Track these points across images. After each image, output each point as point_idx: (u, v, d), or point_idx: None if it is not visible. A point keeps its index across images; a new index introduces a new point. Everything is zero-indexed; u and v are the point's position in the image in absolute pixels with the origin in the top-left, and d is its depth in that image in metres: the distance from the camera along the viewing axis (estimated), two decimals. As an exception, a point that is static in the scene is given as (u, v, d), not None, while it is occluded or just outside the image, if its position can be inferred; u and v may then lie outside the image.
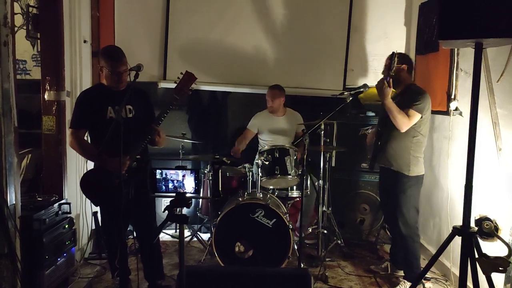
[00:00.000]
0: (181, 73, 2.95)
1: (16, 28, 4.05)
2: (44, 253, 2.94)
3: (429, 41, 4.05)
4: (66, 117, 3.52)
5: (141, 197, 2.63)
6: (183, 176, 2.02)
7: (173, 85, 2.97)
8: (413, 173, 3.22)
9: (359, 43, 4.67)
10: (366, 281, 3.60)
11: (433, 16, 3.95)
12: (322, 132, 3.69)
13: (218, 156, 3.55)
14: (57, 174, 3.47)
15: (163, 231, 4.46)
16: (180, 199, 1.96)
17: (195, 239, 4.31)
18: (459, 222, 2.36)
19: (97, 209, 3.67)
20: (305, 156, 3.34)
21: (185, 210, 3.77)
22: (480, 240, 2.39)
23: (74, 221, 3.43)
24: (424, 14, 4.21)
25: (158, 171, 2.03)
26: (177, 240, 2.05)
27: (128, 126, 2.76)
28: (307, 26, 4.59)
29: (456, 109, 3.58)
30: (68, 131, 3.15)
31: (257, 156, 3.91)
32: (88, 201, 3.62)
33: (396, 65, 3.14)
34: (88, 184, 2.97)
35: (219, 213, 3.60)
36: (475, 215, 2.56)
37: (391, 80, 3.08)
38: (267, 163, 3.70)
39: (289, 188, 3.95)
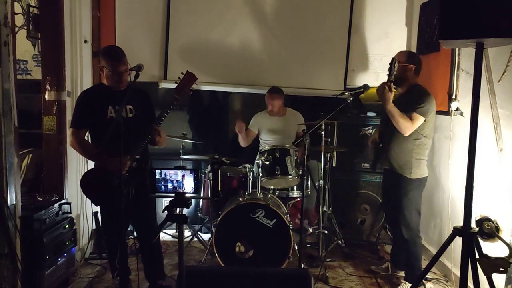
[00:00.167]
0: (182, 73, 2.95)
1: (17, 28, 4.06)
2: (45, 253, 2.94)
3: (430, 41, 4.04)
4: (67, 117, 3.52)
5: (141, 197, 2.63)
6: (183, 176, 2.02)
7: (173, 85, 2.97)
8: (415, 176, 3.18)
9: (360, 43, 4.66)
10: (367, 281, 3.59)
11: (434, 16, 3.94)
12: (323, 132, 3.69)
13: (217, 156, 3.54)
14: (57, 174, 3.47)
15: (164, 231, 4.47)
16: (180, 199, 1.96)
17: (195, 239, 4.30)
18: (460, 222, 2.35)
19: (98, 209, 3.67)
20: (305, 156, 3.35)
21: (185, 210, 3.77)
22: (481, 241, 2.39)
23: (75, 221, 3.42)
24: (425, 14, 4.20)
25: (158, 171, 2.03)
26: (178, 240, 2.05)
27: (129, 126, 2.76)
28: (308, 26, 4.58)
29: (457, 109, 3.57)
30: (68, 131, 3.15)
31: (257, 156, 3.91)
32: (88, 201, 3.63)
33: (405, 64, 3.13)
34: (88, 184, 2.98)
35: (220, 213, 3.60)
36: (476, 215, 2.56)
37: (391, 84, 3.02)
38: (267, 163, 3.70)
39: (290, 188, 3.94)
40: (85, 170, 3.53)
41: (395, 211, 3.29)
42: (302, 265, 3.50)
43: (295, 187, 3.95)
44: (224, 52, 4.53)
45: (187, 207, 1.98)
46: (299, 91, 4.61)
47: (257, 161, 3.71)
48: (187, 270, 1.96)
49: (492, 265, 2.23)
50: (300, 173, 3.70)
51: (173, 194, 2.01)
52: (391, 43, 4.58)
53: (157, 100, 4.44)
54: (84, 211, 3.85)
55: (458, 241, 2.35)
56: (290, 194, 3.97)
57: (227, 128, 4.90)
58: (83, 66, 3.90)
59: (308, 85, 4.62)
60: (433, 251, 3.81)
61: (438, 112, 3.73)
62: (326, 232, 3.98)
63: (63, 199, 3.37)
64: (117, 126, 2.46)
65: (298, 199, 4.05)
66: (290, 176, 3.72)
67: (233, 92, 4.73)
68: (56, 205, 3.19)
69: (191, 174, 2.02)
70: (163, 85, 4.44)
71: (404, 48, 4.58)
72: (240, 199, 3.54)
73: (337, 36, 4.62)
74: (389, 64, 3.02)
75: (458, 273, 2.50)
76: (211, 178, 3.97)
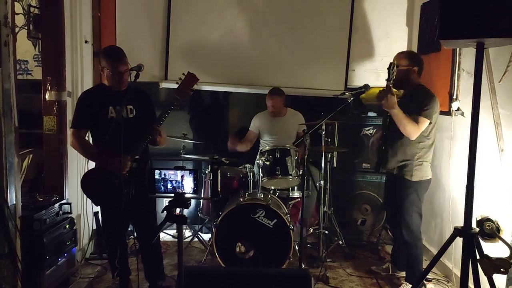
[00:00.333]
0: (183, 74, 2.95)
1: (18, 28, 4.07)
2: (45, 253, 2.94)
3: (431, 41, 4.04)
4: (67, 117, 3.52)
5: (141, 197, 2.63)
6: (182, 176, 2.01)
7: (174, 85, 2.98)
8: (416, 178, 3.15)
9: (360, 43, 4.65)
10: (368, 282, 3.59)
11: (435, 16, 3.94)
12: (324, 132, 3.68)
13: (217, 156, 3.54)
14: (58, 174, 3.47)
15: (164, 231, 4.47)
16: (179, 199, 1.96)
17: (196, 239, 4.30)
18: (460, 222, 2.34)
19: (98, 209, 3.67)
20: (305, 157, 3.34)
21: (185, 210, 3.77)
22: (481, 241, 2.39)
23: (75, 221, 3.42)
24: (426, 14, 4.19)
25: (157, 172, 2.03)
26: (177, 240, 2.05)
27: (129, 126, 2.77)
28: (309, 26, 4.57)
29: (458, 109, 3.56)
30: (69, 131, 3.15)
31: (258, 156, 3.91)
32: (89, 201, 3.64)
33: (408, 68, 3.10)
34: (89, 184, 2.99)
35: (220, 213, 3.60)
36: (476, 216, 2.56)
37: (392, 88, 2.96)
38: (268, 163, 3.70)
39: (290, 188, 3.94)
40: (86, 170, 3.53)
41: (396, 213, 3.28)
42: (303, 266, 3.50)
43: (295, 187, 3.94)
44: (224, 52, 4.52)
45: (187, 208, 1.98)
46: (300, 91, 4.61)
47: (258, 161, 3.71)
48: (187, 271, 1.96)
49: (493, 265, 2.22)
50: (301, 173, 3.69)
51: (173, 195, 2.01)
52: (392, 43, 4.57)
53: (158, 100, 4.44)
54: (84, 211, 3.85)
55: (459, 241, 2.35)
56: (290, 194, 3.96)
57: (227, 128, 4.90)
58: (84, 66, 3.90)
59: (308, 85, 4.61)
60: (434, 251, 3.81)
61: (439, 112, 3.72)
62: (326, 232, 3.97)
63: (63, 199, 3.37)
64: (118, 126, 2.47)
65: (299, 199, 4.04)
66: (290, 177, 3.72)
67: (233, 92, 4.73)
68: (57, 205, 3.19)
69: (190, 175, 2.01)
70: (164, 85, 4.44)
71: (405, 48, 4.57)
72: (241, 199, 3.54)
73: (337, 36, 4.61)
74: (388, 68, 2.96)
75: (459, 273, 2.50)
76: (211, 178, 3.97)
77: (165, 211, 1.97)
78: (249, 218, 3.47)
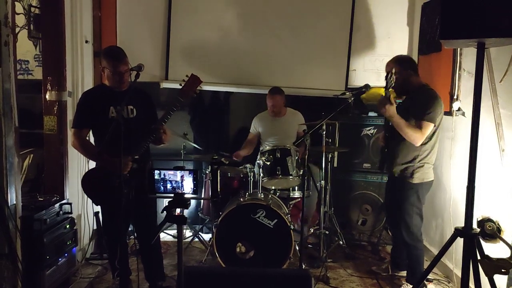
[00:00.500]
0: (186, 76, 2.95)
1: (18, 28, 4.07)
2: (45, 253, 2.94)
3: (431, 41, 4.03)
4: (68, 117, 3.52)
5: (142, 197, 2.63)
6: (182, 176, 2.01)
7: (175, 85, 2.98)
8: (417, 180, 3.12)
9: (361, 43, 4.65)
10: (368, 282, 3.58)
11: (435, 16, 3.93)
12: (324, 133, 3.68)
13: (216, 157, 3.54)
14: (58, 174, 3.47)
15: (165, 231, 4.47)
16: (178, 200, 1.96)
17: (196, 239, 4.30)
18: (461, 223, 2.34)
19: (99, 209, 3.68)
20: (306, 157, 3.33)
21: (186, 211, 3.77)
22: (482, 242, 2.38)
23: (76, 221, 3.42)
24: (427, 14, 4.19)
25: (157, 172, 2.02)
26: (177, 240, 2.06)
27: (130, 126, 2.77)
28: (310, 26, 4.57)
29: (459, 109, 3.55)
30: (70, 131, 3.16)
31: (258, 156, 3.91)
32: (89, 201, 3.64)
33: (404, 73, 3.08)
34: (89, 183, 2.99)
35: (220, 213, 3.60)
36: (477, 216, 2.55)
37: (391, 96, 2.93)
38: (268, 163, 3.69)
39: (291, 188, 3.93)
40: (86, 170, 3.53)
41: (397, 214, 3.27)
42: (303, 266, 3.50)
43: (296, 188, 3.94)
44: (225, 52, 4.52)
45: (186, 208, 1.98)
46: (300, 91, 4.60)
47: (258, 161, 3.71)
48: (188, 271, 1.96)
49: (494, 266, 2.22)
50: (301, 173, 3.69)
51: (172, 195, 2.01)
52: (392, 43, 4.57)
53: (158, 100, 4.44)
54: (85, 211, 3.85)
55: (459, 242, 2.34)
56: (291, 194, 3.96)
57: (228, 128, 4.89)
58: (84, 66, 3.91)
59: (309, 85, 4.61)
60: (435, 251, 3.80)
61: (441, 113, 3.73)
62: (327, 232, 3.97)
63: (63, 199, 3.38)
64: (118, 126, 2.46)
65: (299, 200, 4.04)
66: (291, 177, 3.71)
67: (234, 92, 4.73)
68: (57, 205, 3.19)
69: (190, 175, 2.01)
70: (164, 85, 4.44)
71: (405, 49, 4.58)
72: (241, 200, 3.53)
73: (338, 36, 4.61)
74: (385, 78, 2.93)
75: (459, 274, 2.49)
76: (211, 178, 3.95)
77: (164, 212, 1.97)
78: (249, 218, 3.47)
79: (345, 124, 4.28)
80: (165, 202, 2.04)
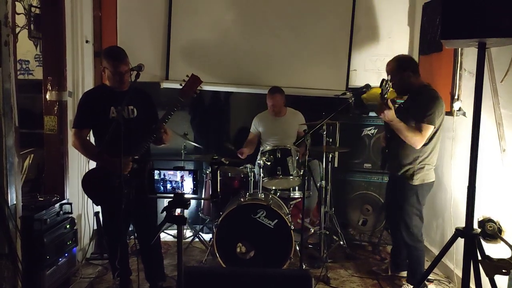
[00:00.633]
0: (187, 76, 2.95)
1: (19, 28, 4.07)
2: (45, 253, 2.94)
3: (432, 41, 4.03)
4: (68, 117, 3.52)
5: (142, 197, 2.62)
6: (182, 176, 2.00)
7: (175, 85, 2.98)
8: (417, 182, 3.11)
9: (362, 43, 4.65)
10: (369, 282, 3.58)
11: (436, 16, 3.92)
12: (325, 133, 3.68)
13: (216, 157, 3.54)
14: (58, 174, 3.47)
15: (165, 231, 4.46)
16: (178, 200, 1.95)
17: (197, 239, 4.30)
18: (462, 223, 2.34)
19: (99, 209, 3.67)
20: (306, 157, 3.33)
21: (186, 211, 3.77)
22: (483, 242, 2.37)
23: (76, 221, 3.42)
24: (428, 14, 4.18)
25: (156, 172, 2.02)
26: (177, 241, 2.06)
27: (130, 126, 2.77)
28: (310, 26, 4.57)
29: (460, 109, 3.55)
30: (70, 131, 3.16)
31: (259, 157, 3.91)
32: (89, 201, 3.64)
33: (401, 75, 3.07)
34: (90, 183, 2.99)
35: (221, 213, 3.60)
36: (478, 216, 2.54)
37: (388, 101, 2.90)
38: (269, 163, 3.69)
39: (291, 188, 3.93)
40: (86, 170, 3.54)
41: (397, 215, 3.26)
42: (303, 266, 3.50)
43: (296, 188, 3.93)
44: (225, 52, 4.52)
45: (186, 208, 1.97)
46: (301, 91, 4.60)
47: (259, 162, 3.71)
48: (188, 271, 1.96)
49: (495, 266, 2.21)
50: (302, 173, 3.68)
51: (172, 195, 2.00)
52: (393, 43, 4.57)
53: (159, 100, 4.43)
54: (85, 211, 3.85)
55: (460, 242, 2.34)
56: (291, 194, 3.95)
57: (228, 128, 4.89)
58: (85, 66, 3.91)
59: (309, 85, 4.61)
60: (435, 252, 3.80)
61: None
62: (327, 232, 3.97)
63: (64, 199, 3.38)
64: (118, 126, 2.46)
65: (300, 200, 4.03)
66: (291, 177, 3.71)
67: (234, 92, 4.73)
68: (57, 205, 3.19)
69: (190, 175, 2.00)
70: (165, 85, 4.44)
71: (406, 48, 4.58)
72: (241, 200, 3.53)
73: (339, 36, 4.60)
74: (380, 86, 2.90)
75: (460, 274, 2.49)
76: (211, 178, 3.95)
77: (164, 212, 1.97)
78: (250, 219, 3.46)
79: (346, 124, 4.27)
80: (165, 202, 2.04)
